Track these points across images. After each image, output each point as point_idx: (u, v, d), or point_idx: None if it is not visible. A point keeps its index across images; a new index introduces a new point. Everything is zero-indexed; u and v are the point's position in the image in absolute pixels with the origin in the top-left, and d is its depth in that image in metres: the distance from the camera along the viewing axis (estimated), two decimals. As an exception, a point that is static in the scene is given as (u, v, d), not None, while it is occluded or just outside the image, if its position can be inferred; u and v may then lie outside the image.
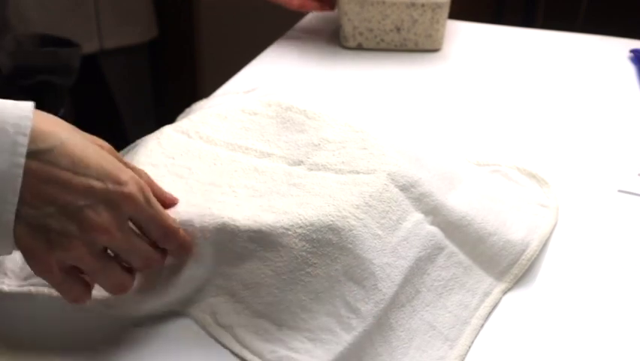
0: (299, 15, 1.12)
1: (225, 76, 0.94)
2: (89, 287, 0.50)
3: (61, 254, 0.47)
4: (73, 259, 0.48)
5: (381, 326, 0.53)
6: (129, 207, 0.48)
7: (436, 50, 1.01)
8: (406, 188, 0.58)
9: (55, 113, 0.49)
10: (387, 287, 0.54)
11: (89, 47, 1.21)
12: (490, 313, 0.58)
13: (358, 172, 0.58)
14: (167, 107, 1.47)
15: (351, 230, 0.53)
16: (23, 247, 0.47)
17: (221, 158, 0.61)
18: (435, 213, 0.59)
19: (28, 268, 0.50)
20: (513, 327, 0.56)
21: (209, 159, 0.61)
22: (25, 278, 0.57)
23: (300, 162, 0.60)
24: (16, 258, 0.57)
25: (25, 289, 0.56)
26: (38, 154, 0.46)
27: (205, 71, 1.79)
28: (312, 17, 1.12)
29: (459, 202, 0.60)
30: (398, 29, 1.00)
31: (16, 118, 0.45)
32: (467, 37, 1.06)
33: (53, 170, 0.46)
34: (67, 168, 0.46)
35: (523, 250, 0.61)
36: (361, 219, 0.54)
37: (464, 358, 0.54)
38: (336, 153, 0.60)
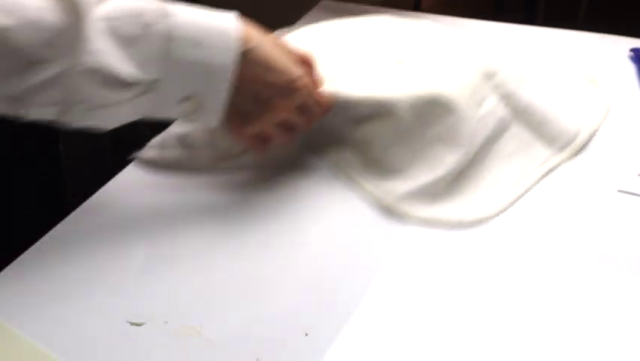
0: (297, 17, 1.12)
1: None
2: (269, 144, 0.70)
3: (251, 128, 0.67)
4: (259, 130, 0.67)
5: (455, 176, 0.70)
6: (298, 96, 0.67)
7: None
8: (489, 76, 0.75)
9: None
10: (466, 150, 0.71)
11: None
12: (545, 175, 0.73)
13: (453, 64, 0.76)
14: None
15: (447, 103, 0.71)
16: (225, 122, 0.65)
17: (336, 59, 0.79)
18: (508, 98, 0.75)
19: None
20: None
21: (326, 60, 0.77)
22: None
23: (403, 60, 0.78)
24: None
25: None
26: (243, 55, 0.62)
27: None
28: (309, 19, 1.12)
29: (528, 93, 0.77)
30: None
31: (232, 26, 0.62)
32: (468, 34, 1.06)
33: (250, 67, 0.63)
34: (259, 65, 0.64)
35: (576, 136, 0.76)
36: (456, 97, 0.71)
37: (518, 201, 0.70)
38: (434, 51, 0.79)
